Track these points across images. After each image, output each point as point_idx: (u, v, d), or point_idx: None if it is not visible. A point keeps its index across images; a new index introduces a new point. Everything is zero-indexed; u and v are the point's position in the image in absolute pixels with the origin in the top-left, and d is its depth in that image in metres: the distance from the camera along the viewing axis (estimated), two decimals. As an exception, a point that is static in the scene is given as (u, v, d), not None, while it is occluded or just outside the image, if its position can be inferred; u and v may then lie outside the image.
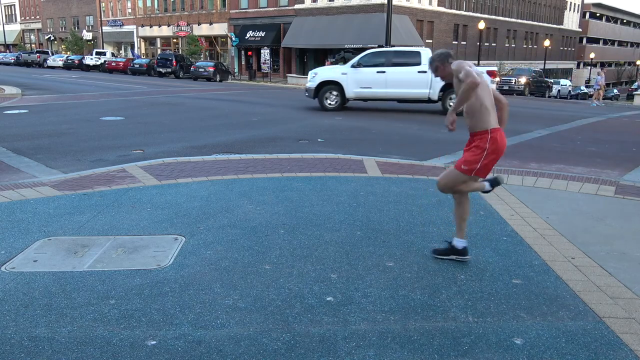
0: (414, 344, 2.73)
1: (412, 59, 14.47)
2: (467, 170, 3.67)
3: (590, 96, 32.82)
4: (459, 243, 3.81)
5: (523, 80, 30.36)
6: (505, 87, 29.47)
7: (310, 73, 15.19)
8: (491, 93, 3.72)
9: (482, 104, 3.60)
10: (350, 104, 15.90)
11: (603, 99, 28.66)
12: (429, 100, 14.58)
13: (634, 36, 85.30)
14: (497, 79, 15.02)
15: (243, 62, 45.17)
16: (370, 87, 14.41)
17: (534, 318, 3.02)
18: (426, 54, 14.35)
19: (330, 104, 14.68)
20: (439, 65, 3.75)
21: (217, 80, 36.08)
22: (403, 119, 13.65)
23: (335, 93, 14.68)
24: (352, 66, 14.54)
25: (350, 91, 14.53)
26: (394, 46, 32.03)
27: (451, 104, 14.35)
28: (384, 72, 14.33)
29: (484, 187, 3.86)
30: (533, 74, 32.94)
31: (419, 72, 14.19)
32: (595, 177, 6.81)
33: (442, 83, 14.07)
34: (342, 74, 14.53)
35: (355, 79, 14.40)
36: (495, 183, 3.90)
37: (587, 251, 4.07)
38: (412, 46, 36.64)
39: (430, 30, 40.53)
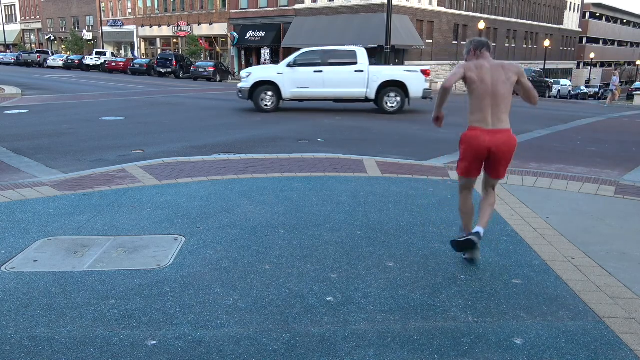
0: (414, 344, 2.73)
1: (348, 59, 14.31)
2: (457, 168, 3.88)
3: (600, 98, 32.42)
4: (477, 229, 3.71)
5: None
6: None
7: (243, 73, 14.65)
8: (493, 92, 3.64)
9: (471, 103, 3.72)
10: (350, 105, 15.89)
11: (618, 100, 28.57)
12: (366, 100, 14.51)
13: (634, 36, 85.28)
14: (429, 77, 14.96)
15: (243, 62, 45.16)
16: (308, 87, 14.09)
17: (534, 318, 3.02)
18: (362, 53, 14.28)
19: (267, 105, 14.20)
20: (470, 50, 3.86)
21: (217, 80, 36.09)
22: (403, 119, 13.64)
23: (270, 94, 14.20)
24: (288, 65, 14.16)
25: (287, 91, 14.15)
26: (394, 46, 32.03)
27: (389, 102, 14.49)
28: (321, 71, 14.06)
29: (469, 228, 3.80)
30: (533, 74, 32.95)
31: (355, 71, 14.10)
32: (595, 177, 6.81)
33: (379, 82, 14.17)
34: (278, 73, 14.12)
35: (291, 78, 14.03)
36: (466, 244, 3.66)
37: (587, 251, 4.06)
38: (412, 46, 36.76)
39: (430, 30, 40.53)
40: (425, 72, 14.57)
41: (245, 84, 14.27)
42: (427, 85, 14.73)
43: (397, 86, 14.42)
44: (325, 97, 14.52)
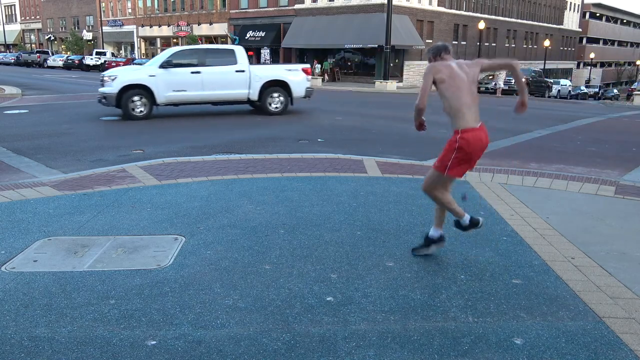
0: (414, 344, 2.73)
1: (227, 58, 13.31)
2: (439, 167, 3.69)
3: (600, 98, 32.14)
4: (435, 233, 3.89)
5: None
6: (505, 87, 29.44)
7: (107, 75, 12.63)
8: (468, 88, 3.62)
9: (452, 106, 3.59)
10: (352, 105, 15.89)
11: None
12: (249, 101, 13.70)
13: (634, 36, 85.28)
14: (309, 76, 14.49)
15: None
16: (185, 90, 12.72)
17: (534, 318, 3.02)
18: (240, 52, 13.43)
19: (141, 111, 12.41)
20: (430, 58, 3.78)
21: (217, 80, 35.99)
22: (403, 119, 13.64)
23: (142, 99, 12.40)
24: (161, 66, 12.59)
25: (162, 95, 12.53)
26: (394, 46, 32.01)
27: (273, 103, 13.69)
28: (199, 72, 12.82)
29: (462, 216, 3.81)
30: (533, 74, 32.92)
31: (236, 71, 13.17)
32: (595, 177, 6.81)
33: (262, 82, 13.43)
34: (150, 75, 12.44)
35: (166, 81, 12.48)
36: (474, 223, 3.82)
37: (587, 251, 4.06)
38: (412, 46, 36.76)
39: (430, 30, 40.52)
40: (306, 71, 14.13)
41: (110, 88, 12.22)
42: (309, 84, 14.21)
43: (280, 86, 13.70)
44: (205, 100, 13.30)
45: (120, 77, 12.42)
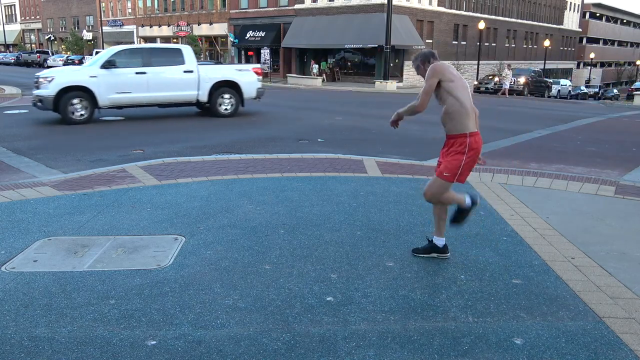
0: (414, 344, 2.73)
1: (173, 58, 12.66)
2: (450, 177, 3.63)
3: (600, 98, 31.87)
4: (439, 242, 3.89)
5: (522, 80, 30.34)
6: (504, 87, 29.40)
7: (42, 76, 11.55)
8: (470, 95, 3.67)
9: (463, 105, 3.55)
10: (352, 105, 15.89)
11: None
12: (198, 103, 13.09)
13: (634, 36, 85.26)
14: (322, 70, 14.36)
15: (243, 62, 45.17)
16: (130, 92, 11.98)
17: (534, 318, 3.02)
18: (188, 51, 12.84)
19: (82, 115, 11.54)
20: (419, 65, 3.76)
21: (217, 80, 35.99)
22: (403, 119, 13.63)
23: (82, 102, 11.53)
24: (103, 67, 11.73)
25: (105, 98, 11.71)
26: (394, 46, 32.02)
27: (224, 105, 13.21)
28: (144, 72, 12.10)
29: (464, 201, 3.81)
30: (532, 74, 32.90)
31: (184, 71, 12.55)
32: (595, 177, 6.81)
33: (211, 83, 12.84)
34: (91, 77, 11.58)
35: (109, 82, 11.68)
36: (474, 201, 3.86)
37: (587, 251, 4.06)
38: (412, 46, 36.75)
39: (430, 30, 40.52)
40: (256, 71, 13.75)
41: (47, 90, 11.28)
42: (259, 85, 13.75)
43: (230, 87, 13.22)
44: (152, 103, 12.57)
45: (57, 78, 11.48)
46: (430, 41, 39.77)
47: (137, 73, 12.07)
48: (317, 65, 37.58)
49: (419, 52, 3.85)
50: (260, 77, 13.92)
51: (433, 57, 3.74)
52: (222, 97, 13.13)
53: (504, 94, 27.68)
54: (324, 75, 36.75)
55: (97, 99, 11.67)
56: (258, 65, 14.75)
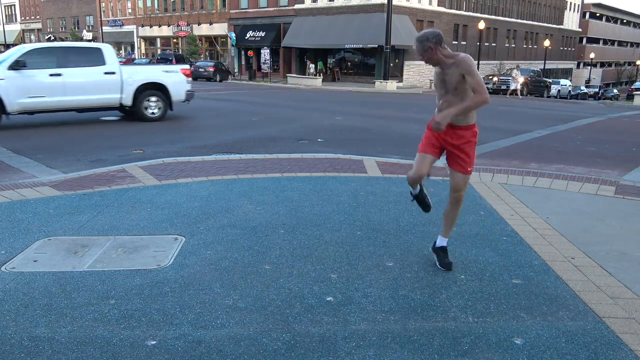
0: (414, 344, 2.73)
1: (93, 58, 11.49)
2: (471, 170, 3.65)
3: (601, 98, 31.47)
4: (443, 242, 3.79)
5: (521, 80, 30.33)
6: (504, 87, 29.35)
7: None
8: None
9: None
10: (352, 105, 15.89)
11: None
12: (122, 107, 12.03)
13: (634, 36, 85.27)
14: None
15: (243, 62, 45.17)
16: (44, 96, 10.70)
17: (534, 318, 3.02)
18: (109, 50, 11.82)
19: None
20: (432, 47, 3.34)
21: (217, 80, 36.11)
22: (403, 119, 13.65)
23: None
24: (11, 68, 10.40)
25: (14, 102, 10.40)
26: (394, 46, 31.97)
27: (150, 109, 12.19)
28: (59, 74, 10.84)
29: (415, 189, 3.88)
30: (531, 73, 32.89)
31: (105, 73, 11.43)
32: (595, 177, 6.81)
33: (136, 85, 11.86)
34: None
35: (18, 85, 10.39)
36: (415, 196, 3.95)
37: (587, 251, 4.06)
38: (412, 46, 36.71)
39: (430, 31, 40.47)
40: (185, 72, 12.89)
41: None
42: (189, 87, 12.83)
43: (157, 89, 12.28)
44: (70, 107, 11.33)
45: None
46: (430, 41, 39.67)
47: (51, 75, 10.81)
48: (313, 65, 37.58)
49: (429, 32, 3.41)
50: (190, 79, 12.96)
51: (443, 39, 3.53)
52: (149, 101, 12.16)
53: (514, 94, 27.38)
54: (322, 75, 36.76)
55: (4, 104, 10.36)
56: (187, 66, 13.68)
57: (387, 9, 28.78)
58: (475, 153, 3.63)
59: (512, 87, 27.84)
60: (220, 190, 5.66)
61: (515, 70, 28.56)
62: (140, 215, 4.76)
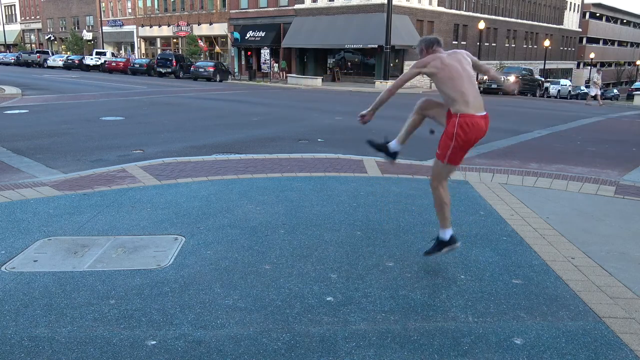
0: (414, 344, 2.73)
1: None
2: (440, 156, 3.64)
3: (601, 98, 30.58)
4: (445, 234, 3.68)
5: (512, 79, 30.13)
6: (494, 86, 29.17)
7: None
8: (468, 76, 3.53)
9: (443, 92, 3.53)
10: (352, 105, 15.88)
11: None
12: None
13: (634, 36, 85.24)
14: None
15: (243, 62, 45.16)
16: None
17: (534, 318, 3.02)
18: None
19: None
20: (422, 49, 3.76)
21: (217, 80, 36.07)
22: (403, 119, 13.63)
23: None
24: None
25: None
26: (394, 46, 31.92)
27: None
28: None
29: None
30: (523, 72, 32.85)
31: None
32: (595, 177, 6.81)
33: None
34: None
35: None
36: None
37: (587, 251, 4.06)
38: (412, 46, 36.69)
39: (430, 30, 40.47)
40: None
41: None
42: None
43: None
44: None
45: None
46: (430, 41, 39.67)
47: None
48: (277, 65, 37.37)
49: (424, 37, 3.85)
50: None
51: (437, 44, 3.74)
52: None
53: (595, 99, 25.60)
54: (283, 74, 36.41)
55: None
56: None
57: (387, 9, 28.77)
58: (446, 143, 3.55)
59: (592, 92, 26.02)
60: (220, 190, 5.66)
61: (596, 75, 26.75)
62: (140, 215, 4.76)
